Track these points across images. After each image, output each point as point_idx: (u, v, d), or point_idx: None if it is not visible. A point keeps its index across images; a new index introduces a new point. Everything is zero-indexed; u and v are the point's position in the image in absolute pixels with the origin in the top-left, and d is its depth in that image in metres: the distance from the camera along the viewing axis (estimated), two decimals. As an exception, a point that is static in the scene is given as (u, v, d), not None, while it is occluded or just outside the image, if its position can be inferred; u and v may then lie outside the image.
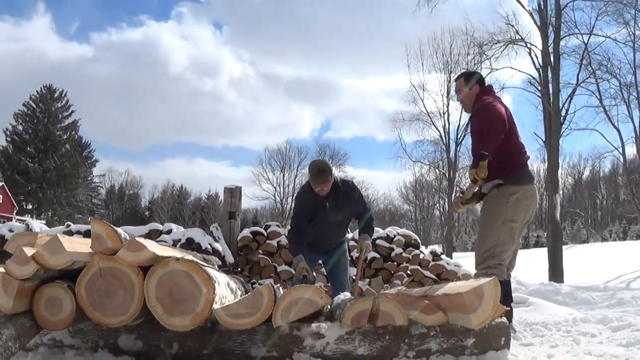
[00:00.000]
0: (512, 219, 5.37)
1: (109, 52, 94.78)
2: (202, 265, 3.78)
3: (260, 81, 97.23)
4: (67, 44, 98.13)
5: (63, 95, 64.41)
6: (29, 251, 3.68)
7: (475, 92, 5.63)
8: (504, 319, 4.27)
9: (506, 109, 5.49)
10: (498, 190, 5.39)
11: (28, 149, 62.48)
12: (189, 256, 4.29)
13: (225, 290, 4.13)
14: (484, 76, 5.93)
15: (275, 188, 62.46)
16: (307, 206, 6.36)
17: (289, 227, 7.28)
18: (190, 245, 9.91)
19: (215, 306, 3.72)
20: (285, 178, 62.89)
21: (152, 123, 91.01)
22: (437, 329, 4.01)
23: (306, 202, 6.37)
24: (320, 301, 3.93)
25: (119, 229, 3.82)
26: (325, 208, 6.31)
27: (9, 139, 62.19)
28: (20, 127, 63.07)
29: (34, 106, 63.51)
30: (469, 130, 5.71)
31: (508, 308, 4.44)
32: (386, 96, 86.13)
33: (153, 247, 3.73)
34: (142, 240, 3.67)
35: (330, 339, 3.92)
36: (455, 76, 6.13)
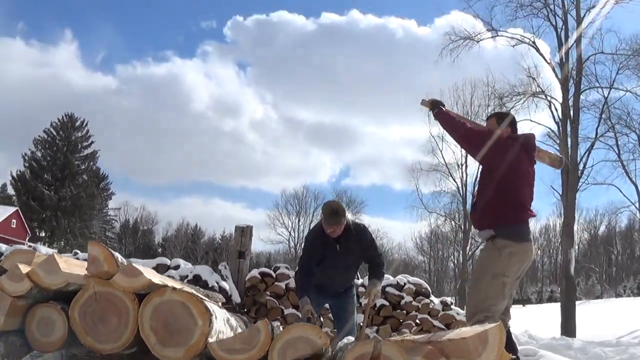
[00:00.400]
0: (503, 273, 5.18)
1: (133, 85, 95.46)
2: (200, 297, 3.66)
3: (281, 124, 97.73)
4: (91, 73, 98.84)
5: (84, 124, 64.92)
6: (24, 268, 3.62)
7: (506, 134, 5.45)
8: (511, 362, 4.12)
9: (515, 159, 5.34)
10: (492, 242, 5.25)
11: (45, 176, 62.78)
12: (188, 289, 4.17)
13: (224, 326, 4.01)
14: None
15: (290, 232, 62.39)
16: (317, 247, 6.26)
17: (297, 268, 7.08)
18: (197, 282, 9.79)
19: (211, 340, 3.60)
20: (300, 223, 62.75)
21: (171, 160, 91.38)
22: (441, 377, 3.87)
23: (316, 244, 6.29)
24: (319, 341, 3.79)
25: (116, 253, 3.73)
26: (335, 250, 6.20)
27: (26, 165, 62.52)
28: (39, 154, 63.45)
29: (55, 134, 63.98)
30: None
31: (514, 357, 4.29)
32: (405, 145, 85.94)
33: (150, 274, 3.63)
34: (138, 266, 3.58)
35: (329, 382, 3.79)
36: (489, 114, 5.94)
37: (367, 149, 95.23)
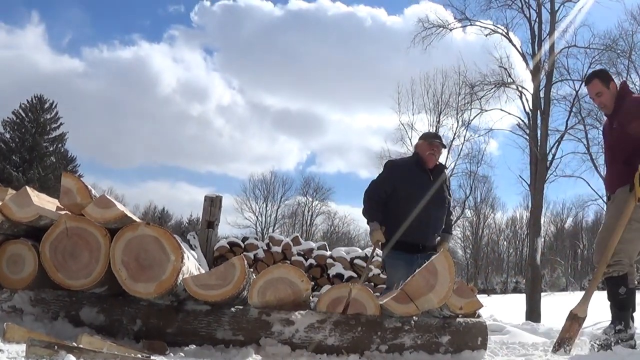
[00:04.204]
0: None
1: (100, 68, 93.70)
2: (173, 234, 3.64)
3: (248, 110, 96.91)
4: (58, 56, 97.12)
5: (53, 106, 64.01)
6: (-5, 203, 3.56)
7: (614, 90, 5.26)
8: (482, 319, 4.16)
9: None
10: (630, 193, 5.12)
11: (13, 157, 61.95)
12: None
13: (195, 270, 4.00)
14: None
15: (257, 217, 61.96)
16: (404, 172, 5.82)
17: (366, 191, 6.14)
18: (166, 250, 9.71)
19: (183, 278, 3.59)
20: (267, 208, 62.46)
21: (138, 143, 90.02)
22: (412, 323, 3.90)
23: (404, 168, 5.90)
24: (301, 284, 3.80)
25: (90, 187, 3.69)
26: (428, 179, 5.81)
27: (-5, 146, 61.88)
28: (7, 135, 62.63)
29: (23, 115, 63.05)
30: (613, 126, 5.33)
31: (481, 306, 4.23)
32: (372, 134, 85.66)
33: (124, 209, 3.60)
34: (111, 198, 3.54)
35: (300, 327, 3.79)
36: (585, 79, 5.58)
37: (334, 137, 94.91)
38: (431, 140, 5.85)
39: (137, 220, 3.70)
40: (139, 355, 2.88)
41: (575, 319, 4.83)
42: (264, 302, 3.77)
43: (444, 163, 6.20)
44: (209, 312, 3.79)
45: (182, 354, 3.49)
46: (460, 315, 4.06)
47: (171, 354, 3.42)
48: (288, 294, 3.76)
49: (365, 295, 3.91)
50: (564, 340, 4.83)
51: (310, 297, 4.13)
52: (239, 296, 3.76)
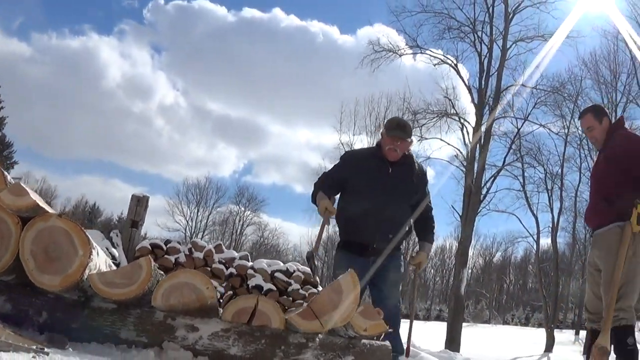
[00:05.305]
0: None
1: (47, 55, 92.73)
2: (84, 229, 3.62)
3: (189, 113, 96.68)
4: (6, 39, 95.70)
5: (-5, 89, 62.92)
6: None
7: (606, 126, 5.39)
8: (387, 343, 4.21)
9: None
10: (620, 228, 5.08)
11: (-53, 137, 60.61)
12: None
13: (105, 267, 3.98)
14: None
15: (187, 222, 61.71)
16: (361, 162, 5.34)
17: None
18: (87, 245, 9.61)
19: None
20: (199, 213, 62.23)
21: (76, 135, 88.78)
22: (317, 341, 3.93)
23: (362, 158, 5.43)
24: (206, 291, 3.79)
25: (6, 173, 3.66)
26: (386, 172, 5.25)
27: None
28: (-56, 114, 61.32)
29: (-37, 95, 61.82)
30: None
31: (390, 330, 4.29)
32: (311, 150, 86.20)
33: (37, 198, 3.58)
34: (26, 187, 3.53)
35: (204, 334, 3.79)
36: (580, 113, 5.63)
37: (273, 149, 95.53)
38: (391, 133, 5.21)
39: (51, 210, 3.68)
40: (34, 347, 2.87)
41: (606, 353, 4.78)
42: (168, 305, 3.77)
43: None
44: (114, 311, 3.76)
45: (81, 349, 3.48)
46: (374, 338, 4.11)
47: (70, 349, 3.40)
48: (192, 300, 3.77)
49: (271, 308, 3.94)
50: None
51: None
52: (144, 297, 3.75)
